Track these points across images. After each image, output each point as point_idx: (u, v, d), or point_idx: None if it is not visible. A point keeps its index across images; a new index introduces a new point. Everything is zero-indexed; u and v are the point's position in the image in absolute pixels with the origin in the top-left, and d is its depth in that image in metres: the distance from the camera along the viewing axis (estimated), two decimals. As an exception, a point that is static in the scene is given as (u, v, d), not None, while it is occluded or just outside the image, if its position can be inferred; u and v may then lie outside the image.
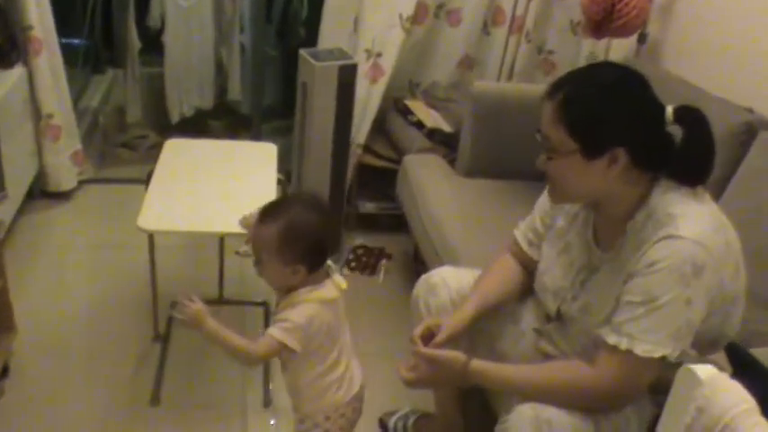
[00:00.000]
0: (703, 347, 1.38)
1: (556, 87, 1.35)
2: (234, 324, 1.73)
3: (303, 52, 2.54)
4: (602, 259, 1.44)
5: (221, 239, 2.50)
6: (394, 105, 2.98)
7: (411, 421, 2.07)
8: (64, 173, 3.05)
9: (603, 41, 2.80)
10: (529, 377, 1.43)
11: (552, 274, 1.56)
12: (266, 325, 1.89)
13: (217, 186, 2.14)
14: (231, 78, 3.51)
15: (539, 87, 2.61)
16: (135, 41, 3.40)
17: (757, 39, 2.21)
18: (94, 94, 3.53)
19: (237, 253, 2.67)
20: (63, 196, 3.10)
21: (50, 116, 2.93)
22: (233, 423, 2.09)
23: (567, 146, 1.33)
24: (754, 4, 2.25)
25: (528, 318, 1.67)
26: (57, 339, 2.33)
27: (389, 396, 2.10)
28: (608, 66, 1.58)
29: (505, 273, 1.69)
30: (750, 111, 2.05)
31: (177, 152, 2.32)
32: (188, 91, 3.41)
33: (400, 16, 2.75)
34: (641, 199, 1.36)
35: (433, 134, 2.79)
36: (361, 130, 2.84)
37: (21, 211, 2.87)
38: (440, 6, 2.97)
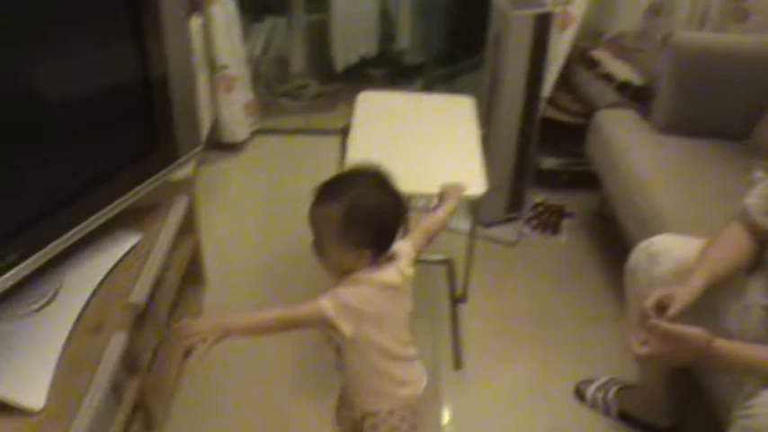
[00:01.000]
0: None
1: None
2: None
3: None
4: None
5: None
6: (580, 57, 2.81)
7: (612, 392, 1.97)
8: (238, 124, 3.06)
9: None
10: None
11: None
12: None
13: (417, 142, 2.06)
14: (399, 26, 3.40)
15: (747, 39, 2.43)
16: (298, -12, 3.33)
17: None
18: (255, 44, 3.51)
19: None
20: (236, 147, 3.12)
21: (224, 67, 2.92)
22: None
23: None
24: None
25: (754, 293, 1.54)
26: (245, 292, 2.34)
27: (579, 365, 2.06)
28: None
29: (735, 243, 1.56)
30: None
31: (372, 105, 2.24)
32: (354, 38, 3.33)
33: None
34: None
35: (624, 88, 2.61)
36: (546, 82, 2.69)
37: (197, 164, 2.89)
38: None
